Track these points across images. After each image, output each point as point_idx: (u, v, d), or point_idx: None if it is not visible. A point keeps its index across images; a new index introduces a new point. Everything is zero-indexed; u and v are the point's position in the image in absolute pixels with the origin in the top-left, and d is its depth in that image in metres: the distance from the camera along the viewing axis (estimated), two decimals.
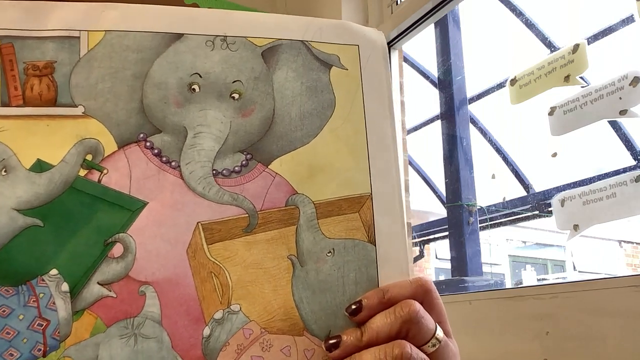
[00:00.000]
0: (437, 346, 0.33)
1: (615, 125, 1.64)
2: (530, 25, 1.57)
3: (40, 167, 0.30)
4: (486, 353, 1.18)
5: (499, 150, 2.53)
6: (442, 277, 5.92)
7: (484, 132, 2.46)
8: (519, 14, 1.66)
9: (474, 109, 2.20)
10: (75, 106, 0.31)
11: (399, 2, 1.76)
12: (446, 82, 1.95)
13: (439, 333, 0.34)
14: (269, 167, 0.34)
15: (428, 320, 0.33)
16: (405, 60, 1.87)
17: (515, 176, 2.42)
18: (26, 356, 0.29)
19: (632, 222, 1.01)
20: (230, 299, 0.32)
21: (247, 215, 0.33)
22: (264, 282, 0.32)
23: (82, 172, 0.31)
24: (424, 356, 0.32)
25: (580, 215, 1.10)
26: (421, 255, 5.45)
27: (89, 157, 0.31)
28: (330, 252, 0.34)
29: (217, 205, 0.32)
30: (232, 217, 0.33)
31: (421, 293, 0.33)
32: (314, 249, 0.33)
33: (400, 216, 0.34)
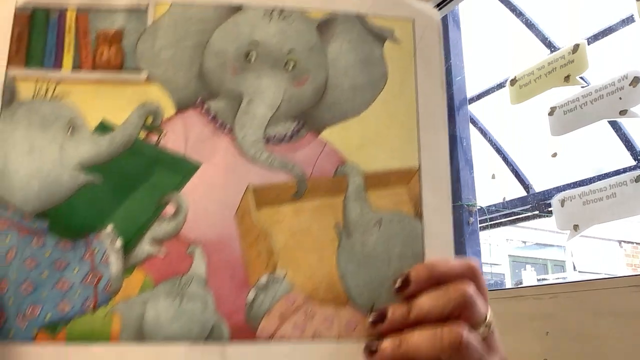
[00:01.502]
0: (487, 330, 0.32)
1: (615, 125, 1.64)
2: (530, 25, 1.57)
3: (103, 128, 0.32)
4: None
5: (499, 150, 2.53)
6: None
7: (484, 132, 2.46)
8: (519, 14, 1.66)
9: (474, 109, 2.20)
10: (140, 71, 0.33)
11: None
12: (446, 82, 1.94)
13: (490, 318, 0.33)
14: (319, 135, 0.34)
15: (481, 304, 0.32)
16: None
17: (515, 176, 2.42)
18: (77, 309, 0.30)
19: (632, 222, 1.01)
20: (275, 265, 0.32)
21: (296, 181, 0.33)
22: (310, 250, 0.32)
23: (142, 134, 0.32)
24: (480, 342, 0.31)
25: (580, 215, 1.10)
26: None
27: (149, 120, 0.32)
28: (377, 224, 0.33)
29: (267, 170, 0.33)
30: (281, 183, 0.33)
31: (471, 275, 0.32)
32: (361, 220, 0.33)
33: (447, 191, 0.34)
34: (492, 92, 2.03)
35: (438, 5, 1.60)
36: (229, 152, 0.33)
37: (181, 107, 0.33)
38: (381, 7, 0.36)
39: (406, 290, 0.31)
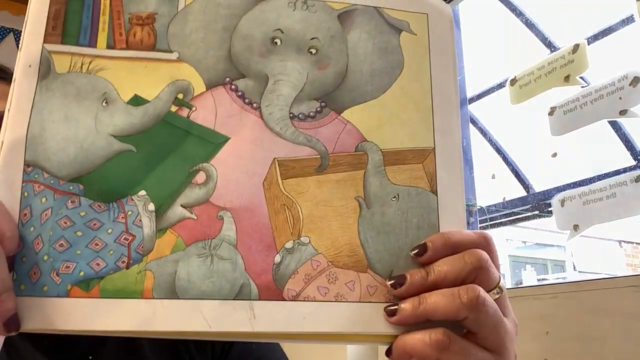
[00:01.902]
0: (499, 294, 0.34)
1: (615, 125, 1.64)
2: (530, 25, 1.57)
3: (137, 101, 0.34)
4: None
5: (499, 150, 2.53)
6: None
7: (484, 132, 2.45)
8: (519, 14, 1.66)
9: (474, 109, 2.19)
10: (171, 52, 0.35)
11: None
12: None
13: (502, 282, 0.35)
14: (341, 115, 0.36)
15: (494, 268, 0.34)
16: None
17: (515, 176, 2.42)
18: (111, 267, 0.31)
19: (632, 222, 1.01)
20: (300, 231, 0.34)
21: (319, 156, 0.35)
22: (332, 218, 0.34)
23: (174, 108, 0.34)
24: (494, 301, 0.33)
25: (580, 215, 1.10)
26: None
27: (180, 96, 0.35)
28: (395, 197, 0.36)
29: (292, 144, 0.35)
30: (305, 157, 0.35)
31: (484, 244, 0.34)
32: (380, 192, 0.35)
33: (459, 170, 0.37)
34: (492, 92, 2.03)
35: None
36: (256, 127, 0.35)
37: (211, 85, 0.35)
38: (397, 2, 0.39)
39: (424, 256, 0.33)
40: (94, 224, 0.32)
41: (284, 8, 0.37)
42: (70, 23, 0.35)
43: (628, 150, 1.43)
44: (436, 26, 0.39)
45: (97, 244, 0.32)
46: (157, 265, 0.32)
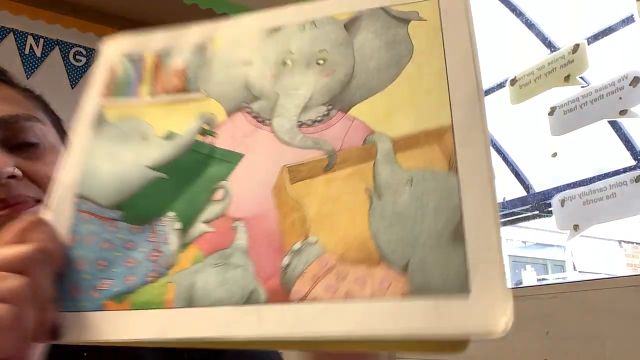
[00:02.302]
0: None
1: (615, 125, 1.64)
2: (530, 25, 1.57)
3: (169, 136, 0.39)
4: (486, 353, 1.17)
5: (499, 150, 2.53)
6: None
7: None
8: (519, 14, 1.66)
9: None
10: (199, 91, 0.40)
11: None
12: None
13: None
14: (347, 113, 0.37)
15: None
16: None
17: (515, 176, 2.42)
18: (141, 281, 0.34)
19: (632, 222, 1.01)
20: (308, 232, 0.34)
21: (326, 155, 0.35)
22: (341, 215, 0.34)
23: (199, 137, 0.38)
24: None
25: (580, 215, 1.10)
26: None
27: (205, 126, 0.39)
28: (408, 183, 0.33)
29: (301, 150, 0.36)
30: (313, 159, 0.35)
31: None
32: (391, 181, 0.34)
33: (483, 145, 0.33)
34: (492, 92, 2.03)
35: None
36: (268, 140, 0.37)
37: (230, 112, 0.39)
38: None
39: None
40: (129, 245, 0.36)
41: (295, 33, 0.40)
42: (121, 79, 0.43)
43: (628, 150, 1.43)
44: (448, 8, 0.37)
45: (131, 262, 0.35)
46: (178, 278, 0.34)
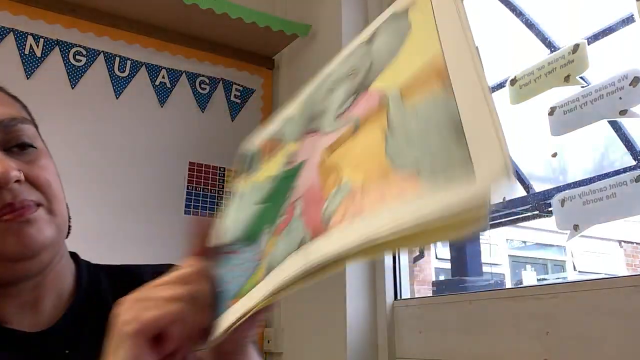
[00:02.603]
0: None
1: (615, 125, 1.64)
2: (530, 25, 1.56)
3: (268, 179, 0.52)
4: (486, 353, 1.17)
5: None
6: (442, 277, 5.91)
7: None
8: (519, 14, 1.66)
9: None
10: (286, 142, 0.53)
11: None
12: None
13: None
14: (368, 90, 0.43)
15: None
16: None
17: (515, 176, 2.42)
18: (249, 276, 0.44)
19: (632, 222, 1.01)
20: (341, 179, 0.40)
21: (353, 124, 0.42)
22: (363, 153, 0.40)
23: (285, 168, 0.50)
24: None
25: (580, 215, 1.10)
26: (421, 255, 5.44)
27: (287, 159, 0.50)
28: (414, 115, 0.37)
29: (337, 131, 0.44)
30: (345, 131, 0.43)
31: None
32: (402, 120, 0.38)
33: (470, 57, 0.35)
34: (492, 92, 2.03)
35: None
36: (318, 140, 0.46)
37: (298, 140, 0.50)
38: None
39: None
40: (245, 259, 0.47)
41: (338, 69, 0.49)
42: (245, 168, 0.58)
43: (628, 150, 1.43)
44: None
45: (246, 270, 0.46)
46: (264, 261, 0.44)
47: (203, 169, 1.88)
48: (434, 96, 0.36)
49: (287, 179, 0.48)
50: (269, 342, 1.79)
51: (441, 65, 0.36)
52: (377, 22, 0.47)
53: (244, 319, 0.42)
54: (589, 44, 1.16)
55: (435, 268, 6.20)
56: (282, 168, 0.50)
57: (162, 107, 1.85)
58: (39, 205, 0.59)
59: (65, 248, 0.67)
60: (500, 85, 1.40)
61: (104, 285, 0.68)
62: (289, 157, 0.50)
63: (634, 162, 1.17)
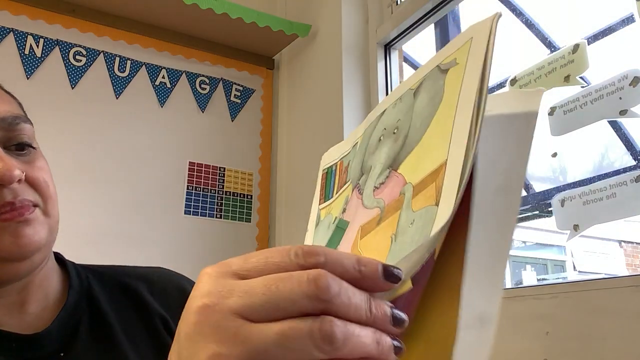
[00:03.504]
0: None
1: (615, 125, 1.64)
2: (530, 25, 1.56)
3: (331, 219, 0.51)
4: None
5: None
6: None
7: None
8: (519, 14, 1.66)
9: None
10: (349, 180, 0.51)
11: (399, 2, 1.76)
12: None
13: None
14: (397, 170, 0.40)
15: None
16: (405, 60, 1.87)
17: None
18: None
19: (632, 222, 1.00)
20: None
21: (380, 212, 0.41)
22: (373, 257, 0.38)
23: (341, 215, 0.48)
24: None
25: (580, 215, 1.10)
26: None
27: (344, 206, 0.49)
28: (412, 223, 0.36)
29: (371, 210, 0.42)
30: (374, 217, 0.41)
31: None
32: (404, 224, 0.37)
33: (456, 178, 0.33)
34: (492, 92, 2.02)
35: (437, 5, 1.59)
36: (359, 208, 0.44)
37: (353, 191, 0.48)
38: (451, 45, 0.38)
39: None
40: None
41: (389, 111, 0.45)
42: (327, 188, 0.55)
43: (628, 150, 1.43)
44: (476, 45, 0.36)
45: None
46: None
47: (203, 169, 1.88)
48: (427, 210, 0.34)
49: (339, 232, 0.48)
50: None
51: (441, 177, 0.34)
52: (425, 69, 0.42)
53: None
54: (589, 44, 1.16)
55: None
56: (340, 214, 0.49)
57: (162, 107, 1.85)
58: (35, 206, 0.59)
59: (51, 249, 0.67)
60: (500, 85, 1.40)
61: (95, 287, 0.68)
62: (345, 202, 0.49)
63: (634, 162, 1.18)
